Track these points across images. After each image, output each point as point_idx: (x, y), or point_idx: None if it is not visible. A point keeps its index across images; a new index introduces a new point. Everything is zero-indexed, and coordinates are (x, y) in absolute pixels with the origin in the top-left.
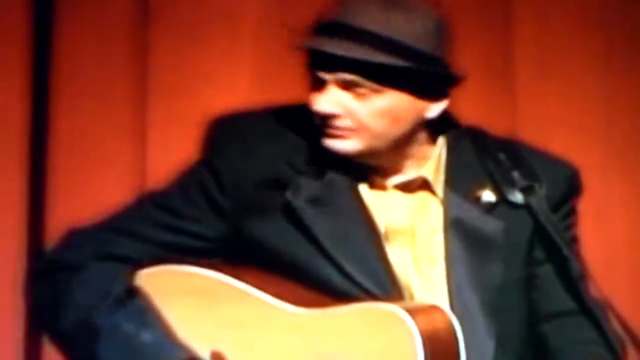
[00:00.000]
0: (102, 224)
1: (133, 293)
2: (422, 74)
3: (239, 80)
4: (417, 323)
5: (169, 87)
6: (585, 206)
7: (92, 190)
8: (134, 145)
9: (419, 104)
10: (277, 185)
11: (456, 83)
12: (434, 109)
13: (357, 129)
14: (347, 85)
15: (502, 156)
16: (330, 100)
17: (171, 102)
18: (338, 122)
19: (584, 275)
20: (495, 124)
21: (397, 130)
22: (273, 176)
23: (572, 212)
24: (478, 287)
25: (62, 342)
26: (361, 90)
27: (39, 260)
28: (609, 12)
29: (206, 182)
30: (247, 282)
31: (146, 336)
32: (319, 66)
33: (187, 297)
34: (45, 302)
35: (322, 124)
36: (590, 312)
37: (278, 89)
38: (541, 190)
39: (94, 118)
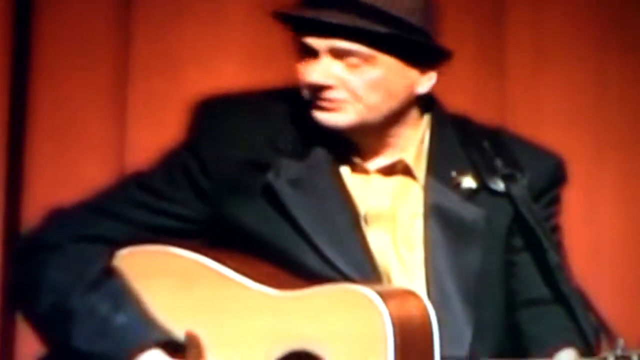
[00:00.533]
0: (83, 205)
1: (110, 274)
2: (412, 44)
3: (225, 61)
4: (388, 306)
5: (151, 67)
6: (575, 197)
7: (72, 171)
8: (115, 126)
9: (409, 76)
10: (259, 168)
11: (444, 58)
12: (424, 84)
13: (351, 101)
14: (340, 55)
15: (485, 144)
16: (323, 70)
17: (154, 83)
18: (331, 94)
19: (561, 265)
20: (486, 113)
21: (390, 104)
22: (255, 158)
23: (555, 201)
24: (456, 274)
25: (37, 323)
26: (354, 60)
27: (17, 241)
28: (603, 2)
29: (189, 164)
30: (225, 264)
31: (120, 318)
32: (311, 35)
33: (165, 278)
34: (22, 283)
35: (314, 96)
36: (566, 300)
37: (266, 71)
38: (523, 180)
39: (74, 99)
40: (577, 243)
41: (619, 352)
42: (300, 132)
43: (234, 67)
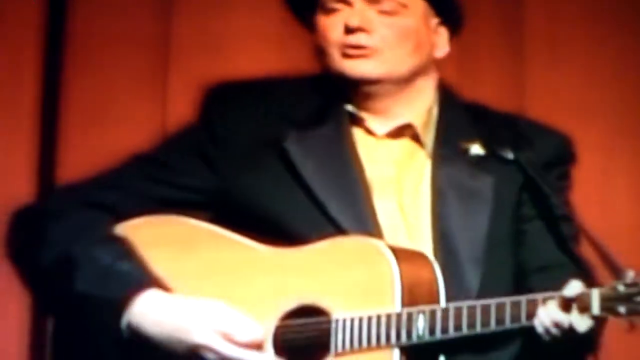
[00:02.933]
0: (91, 179)
1: (116, 238)
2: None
3: (264, 43)
4: (397, 256)
5: (192, 48)
6: (591, 184)
7: (111, 154)
8: (155, 108)
9: (432, 33)
10: (271, 140)
11: (460, 25)
12: (441, 47)
13: (382, 49)
14: (374, 0)
15: (495, 119)
16: (359, 15)
17: (194, 64)
18: (364, 39)
19: (570, 229)
20: (503, 102)
21: (415, 59)
22: (268, 132)
23: (564, 176)
24: (464, 238)
25: (40, 278)
26: (387, 6)
27: (22, 209)
28: None
29: (199, 136)
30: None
31: (123, 266)
32: None
33: (168, 245)
34: (24, 247)
35: (345, 44)
36: (577, 264)
37: (300, 53)
38: (531, 153)
39: (114, 80)
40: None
41: (628, 280)
42: (313, 103)
43: (269, 48)
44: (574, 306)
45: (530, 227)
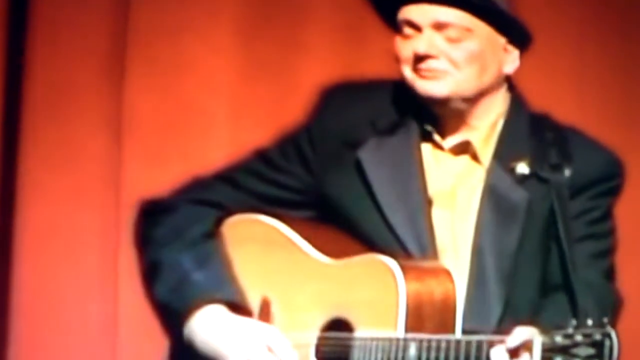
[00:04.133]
0: (214, 173)
1: (210, 236)
2: (503, 18)
3: (221, 32)
4: (406, 276)
5: (150, 33)
6: None
7: (67, 135)
8: (112, 90)
9: (499, 53)
10: (354, 144)
11: (526, 38)
12: (509, 63)
13: (451, 71)
14: (441, 27)
15: (548, 134)
16: (428, 42)
17: (152, 49)
18: (434, 64)
19: (571, 255)
20: None
21: (483, 78)
22: (355, 137)
23: (604, 194)
24: (496, 253)
25: (144, 277)
26: (453, 33)
27: (146, 203)
28: None
29: (301, 138)
30: (298, 231)
31: (197, 276)
32: (414, 10)
33: (252, 244)
34: (138, 241)
35: (417, 67)
36: (570, 290)
37: (258, 39)
38: (567, 170)
39: (71, 62)
40: None
41: (568, 330)
42: (396, 112)
43: (228, 35)
44: (521, 352)
45: (554, 246)
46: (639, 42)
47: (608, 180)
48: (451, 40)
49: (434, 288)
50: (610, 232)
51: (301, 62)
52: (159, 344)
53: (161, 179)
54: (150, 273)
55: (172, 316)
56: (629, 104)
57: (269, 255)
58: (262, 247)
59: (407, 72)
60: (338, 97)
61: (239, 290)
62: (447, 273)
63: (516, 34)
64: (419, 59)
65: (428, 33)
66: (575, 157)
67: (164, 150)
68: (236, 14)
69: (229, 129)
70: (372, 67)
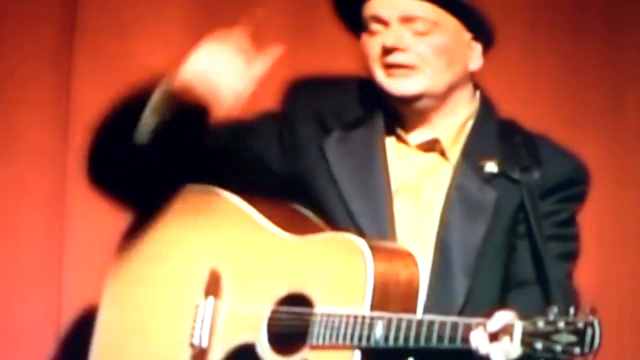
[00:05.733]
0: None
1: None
2: (468, 11)
3: (171, 27)
4: (375, 256)
5: (98, 27)
6: None
7: (11, 127)
8: (58, 84)
9: (465, 47)
10: (321, 136)
11: (492, 40)
12: (476, 60)
13: (419, 66)
14: (408, 21)
15: (517, 138)
16: (396, 35)
17: (100, 43)
18: (402, 57)
19: (545, 253)
20: None
21: (450, 73)
22: (322, 128)
23: (570, 199)
24: (461, 247)
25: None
26: (420, 27)
27: None
28: None
29: (279, 120)
30: (256, 207)
31: None
32: (378, 6)
33: (205, 215)
34: None
35: (385, 63)
36: (545, 284)
37: (208, 35)
38: (536, 173)
39: (16, 53)
40: None
41: (550, 317)
42: (361, 107)
43: (178, 30)
44: (501, 336)
45: (520, 244)
46: (589, 46)
47: (575, 185)
48: (419, 34)
49: (400, 270)
50: (575, 237)
51: None
52: None
53: None
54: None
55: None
56: (580, 106)
57: (222, 228)
58: (216, 220)
59: (377, 70)
60: (308, 88)
61: None
62: (412, 257)
63: (482, 30)
64: (386, 51)
65: (396, 27)
66: (544, 161)
67: None
68: (186, 9)
69: None
70: (323, 65)
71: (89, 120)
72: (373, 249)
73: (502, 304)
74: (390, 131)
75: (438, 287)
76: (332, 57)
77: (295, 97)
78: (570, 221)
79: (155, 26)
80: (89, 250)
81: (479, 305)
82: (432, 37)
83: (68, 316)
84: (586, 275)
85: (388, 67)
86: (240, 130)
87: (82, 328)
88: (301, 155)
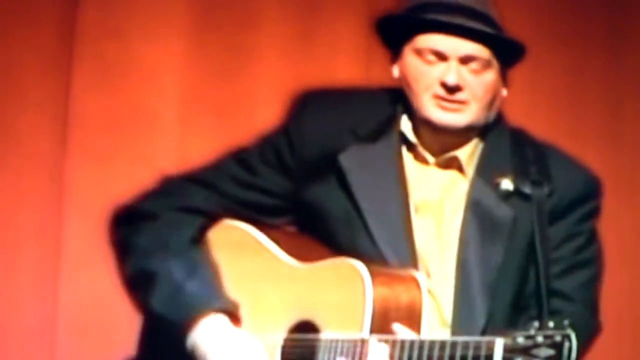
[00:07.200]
0: (189, 174)
1: (195, 242)
2: (509, 48)
3: (170, 33)
4: (375, 281)
5: (98, 33)
6: None
7: (12, 134)
8: (58, 90)
9: (501, 79)
10: (335, 151)
11: (514, 63)
12: (504, 91)
13: (470, 103)
14: (466, 60)
15: (529, 151)
16: (457, 74)
17: (99, 49)
18: (459, 95)
19: (545, 273)
20: None
21: (493, 108)
22: (336, 144)
23: (587, 216)
24: (481, 267)
25: (128, 285)
26: (475, 65)
27: (121, 208)
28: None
29: (280, 143)
30: (269, 235)
31: (190, 286)
32: (441, 43)
33: (226, 248)
34: (119, 248)
35: (441, 97)
36: (540, 305)
37: (209, 41)
38: (546, 188)
39: (17, 65)
40: None
41: (530, 332)
42: (377, 119)
43: (177, 37)
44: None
45: (532, 267)
46: (590, 56)
47: (588, 200)
48: (474, 72)
49: (400, 294)
50: (595, 259)
51: (250, 66)
52: (97, 345)
53: (106, 178)
54: (140, 282)
55: (171, 326)
56: (581, 115)
57: (239, 260)
58: (233, 252)
59: (425, 98)
60: (316, 103)
61: (231, 298)
62: (415, 280)
63: (514, 57)
64: (448, 89)
65: (455, 64)
66: (553, 175)
67: (109, 150)
68: (186, 16)
69: (176, 130)
70: (322, 74)
71: (88, 124)
72: (373, 273)
73: (512, 325)
74: (408, 146)
75: (460, 308)
76: (332, 66)
77: (300, 114)
78: (589, 243)
79: (154, 30)
80: (86, 255)
81: (497, 326)
82: (485, 75)
83: (64, 321)
84: None
85: (442, 99)
86: (240, 174)
87: (78, 333)
88: (312, 176)
